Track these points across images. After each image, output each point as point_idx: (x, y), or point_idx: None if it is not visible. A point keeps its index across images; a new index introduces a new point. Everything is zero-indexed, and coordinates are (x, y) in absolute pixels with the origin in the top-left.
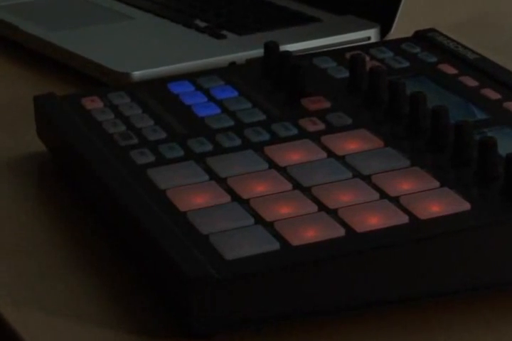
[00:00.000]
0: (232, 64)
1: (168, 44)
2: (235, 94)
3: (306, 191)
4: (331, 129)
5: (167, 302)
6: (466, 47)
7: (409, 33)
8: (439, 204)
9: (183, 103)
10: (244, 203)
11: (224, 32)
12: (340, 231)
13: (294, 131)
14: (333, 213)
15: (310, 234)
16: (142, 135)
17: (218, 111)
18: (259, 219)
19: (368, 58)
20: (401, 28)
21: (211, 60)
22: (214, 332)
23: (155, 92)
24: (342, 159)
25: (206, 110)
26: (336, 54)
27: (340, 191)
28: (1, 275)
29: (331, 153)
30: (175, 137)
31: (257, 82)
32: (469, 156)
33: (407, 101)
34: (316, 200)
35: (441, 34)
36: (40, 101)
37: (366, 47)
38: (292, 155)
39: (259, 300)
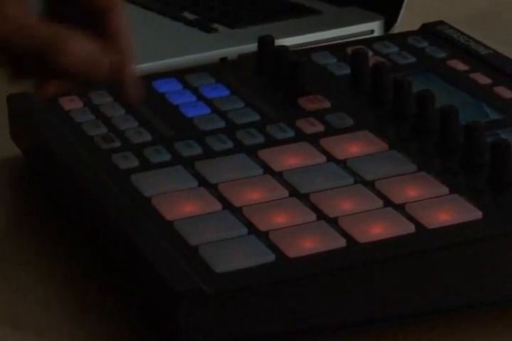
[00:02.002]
0: (224, 60)
1: (155, 38)
2: (227, 92)
3: (304, 198)
4: (331, 131)
5: (154, 318)
6: (477, 42)
7: (416, 26)
8: (448, 212)
9: (169, 102)
10: (237, 211)
11: (215, 25)
12: (341, 242)
13: (291, 133)
14: (333, 222)
15: (308, 244)
16: (125, 137)
17: (208, 111)
18: (252, 229)
19: (371, 53)
20: (407, 20)
21: (201, 55)
22: None
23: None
24: (343, 163)
25: (195, 110)
26: (336, 49)
27: (341, 198)
28: None
29: (330, 157)
30: (161, 140)
31: (250, 80)
32: (481, 160)
33: (414, 100)
34: (314, 208)
35: (451, 27)
36: (14, 101)
37: (369, 42)
38: (289, 159)
39: (253, 316)
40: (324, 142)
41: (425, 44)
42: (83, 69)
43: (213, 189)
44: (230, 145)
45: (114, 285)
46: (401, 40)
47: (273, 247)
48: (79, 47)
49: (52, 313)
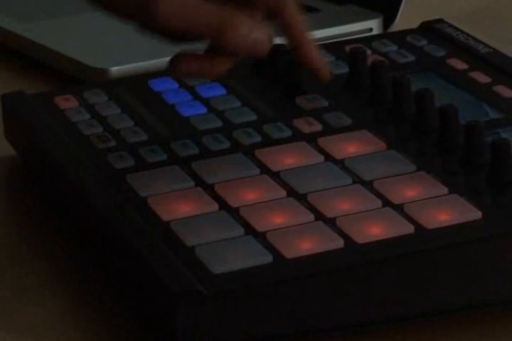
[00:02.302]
0: None
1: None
2: (223, 91)
3: (302, 198)
4: (329, 130)
5: (151, 319)
6: (477, 40)
7: (415, 24)
8: (447, 212)
9: (165, 102)
10: (234, 212)
11: None
12: (339, 243)
13: (288, 133)
14: (331, 223)
15: (306, 245)
16: (121, 137)
17: (205, 110)
18: (249, 230)
19: (369, 52)
20: (406, 18)
21: None
22: None
23: (135, 90)
24: (341, 163)
25: (191, 109)
26: (334, 47)
27: (339, 198)
28: None
29: (328, 157)
30: (157, 139)
31: (247, 79)
32: (481, 160)
33: (413, 99)
34: (312, 209)
35: (450, 25)
36: (8, 100)
37: (368, 40)
38: (286, 159)
39: (250, 317)
40: (322, 142)
41: (424, 42)
42: (247, 47)
43: (210, 189)
44: (226, 144)
45: (111, 286)
46: (400, 38)
47: (270, 248)
48: (243, 28)
49: (47, 313)
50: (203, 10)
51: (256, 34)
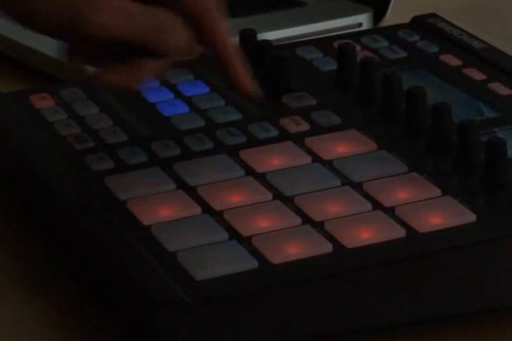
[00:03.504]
0: (203, 55)
1: None
2: (206, 89)
3: (288, 201)
4: (317, 130)
5: (131, 329)
6: (471, 35)
7: (407, 19)
8: (440, 215)
9: (146, 100)
10: (217, 215)
11: None
12: (327, 247)
13: (274, 132)
14: (319, 226)
15: (292, 250)
16: (99, 137)
17: (187, 109)
18: (234, 234)
19: (358, 48)
20: (397, 12)
21: None
22: None
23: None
24: (329, 164)
25: (173, 108)
26: (322, 43)
27: (328, 201)
28: None
29: (316, 158)
30: (137, 140)
31: None
32: (475, 160)
33: (404, 97)
34: (299, 212)
35: (444, 20)
36: None
37: (357, 35)
38: (272, 159)
39: (235, 326)
40: (309, 142)
41: (416, 38)
42: (184, 49)
43: (192, 192)
44: (210, 145)
45: (90, 293)
46: (391, 33)
47: (256, 253)
48: (179, 30)
49: (23, 319)
50: (139, 15)
51: (188, 35)
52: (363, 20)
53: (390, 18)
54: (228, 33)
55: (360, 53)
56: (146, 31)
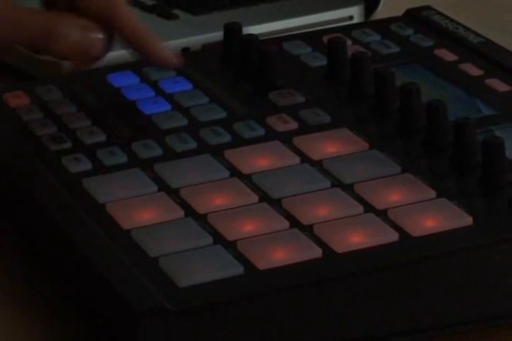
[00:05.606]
0: (186, 50)
1: None
2: (189, 86)
3: (276, 204)
4: (306, 129)
5: (112, 339)
6: (467, 29)
7: (400, 12)
8: (435, 218)
9: (126, 98)
10: (201, 219)
11: (175, 11)
12: (317, 252)
13: (261, 131)
14: (307, 230)
15: (280, 255)
16: (77, 137)
17: (168, 107)
18: (218, 238)
19: (349, 42)
20: (390, 5)
21: None
22: None
23: (92, 85)
24: (319, 165)
25: (154, 106)
26: (311, 37)
27: (317, 203)
28: None
29: (305, 158)
30: (116, 140)
31: (215, 72)
32: (472, 160)
33: (397, 94)
34: (287, 215)
35: (439, 12)
36: None
37: (348, 29)
38: (258, 160)
39: (220, 334)
40: (298, 141)
41: (410, 32)
42: (78, 50)
43: (175, 194)
44: (193, 145)
45: (67, 302)
46: (383, 27)
47: (242, 258)
48: (68, 32)
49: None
50: (24, 19)
51: (86, 35)
52: (353, 13)
53: (382, 11)
54: (132, 14)
55: (351, 48)
56: (34, 38)
